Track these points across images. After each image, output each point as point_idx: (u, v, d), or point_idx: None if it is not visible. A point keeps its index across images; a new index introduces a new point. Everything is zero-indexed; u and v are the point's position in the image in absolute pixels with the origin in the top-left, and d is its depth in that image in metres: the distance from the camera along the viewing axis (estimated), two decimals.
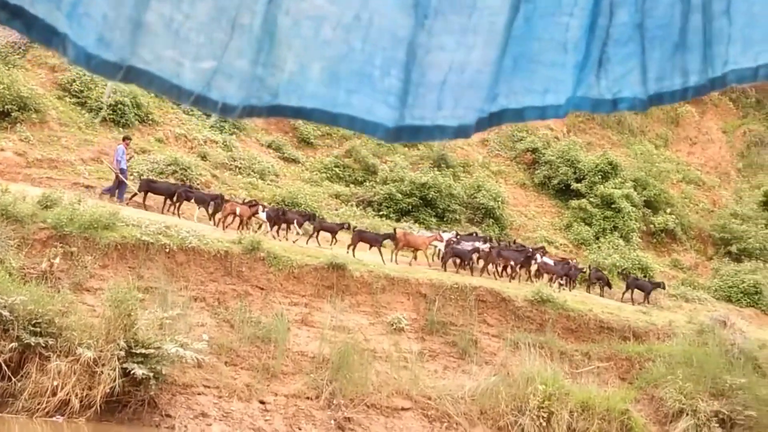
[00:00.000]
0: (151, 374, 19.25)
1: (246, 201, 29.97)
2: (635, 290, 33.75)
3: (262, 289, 24.14)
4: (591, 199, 42.88)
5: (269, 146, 38.68)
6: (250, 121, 36.27)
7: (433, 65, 2.25)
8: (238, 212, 28.47)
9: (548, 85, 2.39)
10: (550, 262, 32.95)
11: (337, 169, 39.04)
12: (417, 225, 36.05)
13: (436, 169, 39.51)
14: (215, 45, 2.09)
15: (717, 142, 53.93)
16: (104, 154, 30.91)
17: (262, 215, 29.15)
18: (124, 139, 30.02)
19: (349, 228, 30.57)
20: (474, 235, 34.02)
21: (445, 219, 37.96)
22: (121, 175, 28.59)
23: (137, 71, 2.03)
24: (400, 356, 24.11)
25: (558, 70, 2.39)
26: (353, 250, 28.16)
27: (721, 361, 25.64)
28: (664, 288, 35.07)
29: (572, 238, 41.74)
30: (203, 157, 34.31)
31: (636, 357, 26.19)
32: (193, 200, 28.78)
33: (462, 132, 2.32)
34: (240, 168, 34.96)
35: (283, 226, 29.50)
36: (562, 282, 31.58)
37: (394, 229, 31.25)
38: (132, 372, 19.05)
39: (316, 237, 29.58)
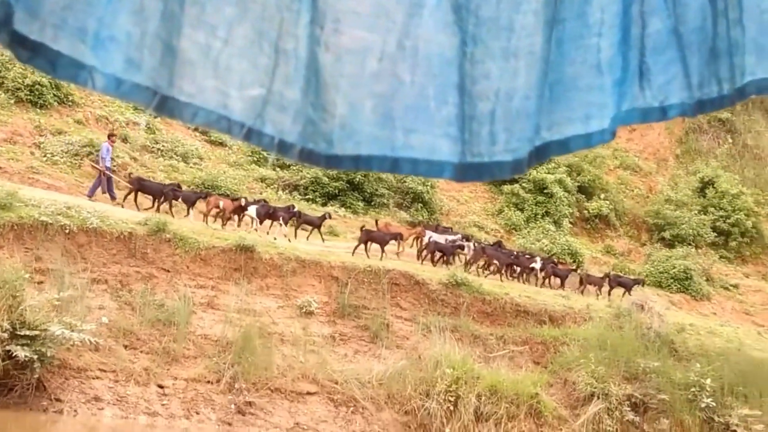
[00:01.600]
0: (35, 356, 18.62)
1: (233, 198, 29.85)
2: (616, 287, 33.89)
3: (167, 271, 23.57)
4: (524, 185, 42.77)
5: (195, 129, 37.99)
6: None
7: (482, 95, 2.19)
8: (221, 206, 28.41)
9: (589, 110, 2.34)
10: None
11: (264, 153, 38.44)
12: (344, 209, 35.64)
13: None
14: (260, 71, 2.01)
15: (656, 129, 53.90)
16: (18, 135, 30.23)
17: (252, 212, 28.89)
18: (109, 137, 29.56)
19: (330, 217, 31.13)
20: (450, 230, 34.50)
21: (372, 203, 37.62)
22: (108, 172, 28.16)
23: (179, 104, 1.95)
24: (309, 340, 23.64)
25: (596, 94, 2.34)
26: (366, 250, 28.50)
27: (636, 345, 25.40)
28: (643, 285, 35.49)
29: (503, 223, 41.55)
30: (124, 140, 33.54)
31: (551, 341, 25.87)
32: (180, 199, 28.54)
33: (517, 167, 2.26)
34: (162, 151, 34.30)
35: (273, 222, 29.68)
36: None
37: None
38: (15, 354, 18.45)
39: (296, 231, 29.86)
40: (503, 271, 32.11)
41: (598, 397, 23.59)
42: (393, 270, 26.12)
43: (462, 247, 31.27)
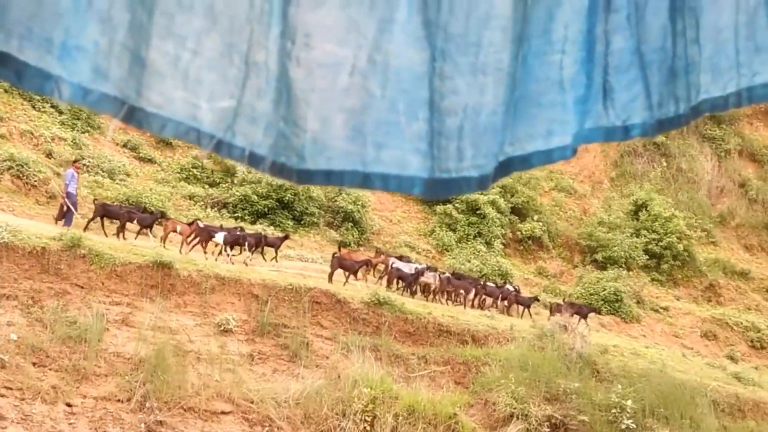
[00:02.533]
0: None
1: (189, 222, 29.68)
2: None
3: (81, 287, 23.08)
4: (456, 205, 42.73)
5: (125, 146, 37.54)
6: (106, 120, 35.33)
7: (450, 111, 2.19)
8: (178, 230, 28.41)
9: (551, 126, 2.35)
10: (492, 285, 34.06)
11: (194, 170, 38.04)
12: (273, 228, 35.30)
13: None
14: (231, 83, 2.00)
15: (592, 152, 54.22)
16: None
17: (219, 238, 28.80)
18: (73, 163, 29.30)
19: (288, 238, 31.55)
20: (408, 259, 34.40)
21: (302, 222, 37.29)
22: (67, 200, 27.60)
23: (147, 114, 1.94)
24: (226, 358, 23.27)
25: (559, 110, 2.35)
26: (330, 276, 28.50)
27: (557, 366, 25.36)
28: (599, 313, 36.34)
29: (435, 243, 41.41)
30: (48, 155, 33.03)
31: (473, 361, 25.71)
32: (135, 221, 28.25)
33: (483, 183, 2.27)
34: (88, 166, 33.72)
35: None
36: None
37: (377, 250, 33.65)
38: None
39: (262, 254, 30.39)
40: (471, 300, 32.45)
41: (518, 418, 23.50)
42: (314, 288, 25.85)
43: (422, 273, 31.49)
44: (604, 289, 40.87)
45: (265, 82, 2.02)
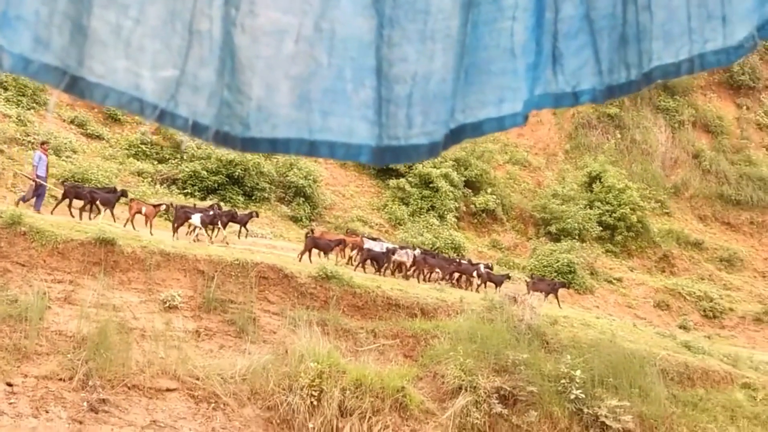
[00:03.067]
0: None
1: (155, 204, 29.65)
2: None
3: (22, 265, 22.69)
4: (410, 179, 42.60)
5: (72, 122, 36.96)
6: (56, 96, 34.88)
7: (399, 78, 2.19)
8: (144, 212, 28.31)
9: (502, 94, 2.36)
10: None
11: (143, 146, 37.53)
12: (223, 204, 34.95)
13: None
14: (174, 52, 1.98)
15: (546, 124, 54.34)
16: None
17: (196, 220, 28.82)
18: (41, 144, 29.12)
19: (257, 216, 31.79)
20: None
21: (253, 198, 37.03)
22: (39, 181, 27.67)
23: (89, 84, 1.93)
24: (172, 335, 22.98)
25: (510, 78, 2.36)
26: (308, 256, 29.14)
27: (506, 337, 25.26)
28: (568, 287, 36.77)
29: (387, 217, 41.25)
30: None
31: (422, 334, 25.58)
32: (99, 202, 28.13)
33: (433, 150, 2.27)
34: (33, 143, 33.21)
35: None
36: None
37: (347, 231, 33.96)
38: None
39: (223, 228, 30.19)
40: (446, 279, 32.89)
41: (466, 390, 23.37)
42: (261, 263, 25.59)
43: (394, 252, 31.81)
44: (558, 261, 40.97)
45: (208, 51, 2.01)
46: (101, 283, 22.97)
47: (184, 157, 36.84)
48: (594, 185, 49.09)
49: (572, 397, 24.10)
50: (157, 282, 23.98)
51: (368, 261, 31.43)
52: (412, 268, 32.54)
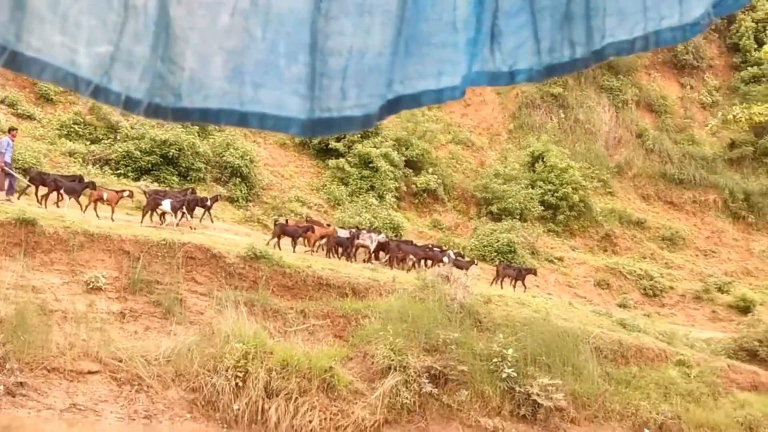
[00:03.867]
0: None
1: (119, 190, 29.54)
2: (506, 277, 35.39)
3: None
4: (349, 159, 42.21)
5: (1, 102, 36.21)
6: None
7: (334, 52, 2.20)
8: (105, 198, 28.20)
9: (442, 67, 2.36)
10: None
11: (76, 126, 36.83)
12: (157, 184, 34.41)
13: (181, 126, 37.75)
14: (109, 28, 1.98)
15: (490, 104, 54.22)
16: None
17: (167, 206, 28.82)
18: (9, 131, 28.85)
19: (220, 199, 32.45)
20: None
21: (188, 178, 36.49)
22: (7, 168, 27.29)
23: (26, 59, 1.93)
24: (95, 317, 22.49)
25: (450, 51, 2.35)
26: (277, 243, 29.55)
27: (438, 317, 25.06)
28: (535, 274, 37.01)
29: (326, 197, 40.90)
30: None
31: (353, 314, 25.29)
32: (63, 190, 27.87)
33: (367, 122, 2.28)
34: None
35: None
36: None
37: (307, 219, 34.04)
38: None
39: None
40: (416, 264, 33.33)
41: (396, 370, 23.13)
42: (188, 243, 25.16)
43: (357, 236, 32.33)
44: (498, 241, 40.89)
45: (143, 27, 1.99)
46: (21, 264, 22.41)
47: (118, 138, 36.15)
48: (536, 165, 49.05)
49: (504, 375, 24.00)
50: (80, 263, 23.48)
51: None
52: (388, 256, 32.96)
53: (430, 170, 45.43)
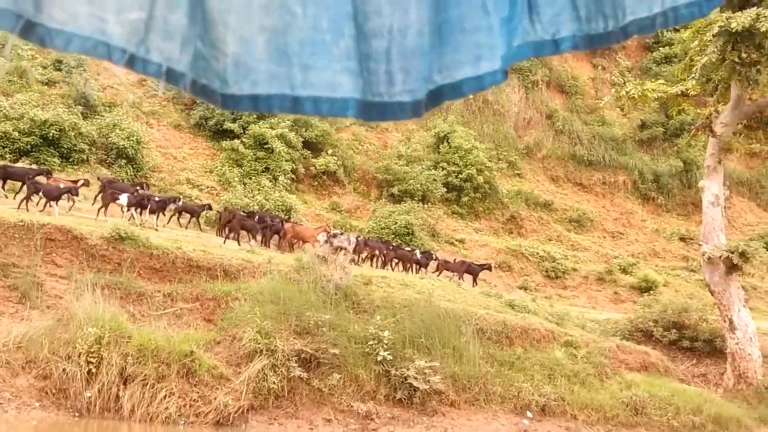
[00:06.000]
0: None
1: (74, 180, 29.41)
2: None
3: None
4: (244, 140, 41.35)
5: None
6: None
7: (376, 33, 2.15)
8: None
9: (479, 52, 2.32)
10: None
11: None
12: (37, 166, 33.15)
13: (68, 107, 36.46)
14: None
15: None
16: None
17: (123, 201, 28.49)
18: None
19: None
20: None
21: (70, 160, 35.26)
22: None
23: (51, 31, 1.87)
24: None
25: (485, 35, 2.32)
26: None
27: (311, 299, 24.28)
28: (490, 270, 37.58)
29: (218, 179, 39.95)
30: None
31: (223, 296, 24.38)
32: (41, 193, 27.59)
33: (416, 109, 2.25)
34: None
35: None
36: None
37: (282, 221, 33.53)
38: None
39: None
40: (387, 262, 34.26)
41: (263, 353, 22.29)
42: (48, 225, 24.05)
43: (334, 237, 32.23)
44: (396, 223, 40.34)
45: None
46: None
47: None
48: (441, 146, 48.57)
49: (379, 359, 23.35)
50: None
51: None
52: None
53: (330, 152, 44.76)
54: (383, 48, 2.15)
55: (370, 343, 23.58)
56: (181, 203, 31.09)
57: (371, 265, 32.83)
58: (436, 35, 2.22)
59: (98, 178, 28.63)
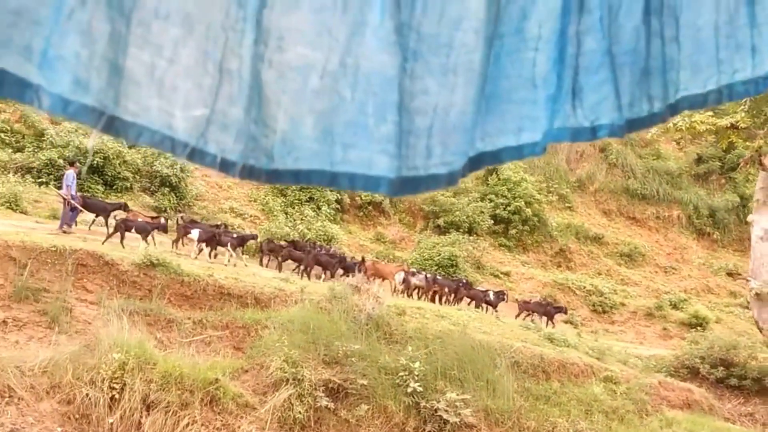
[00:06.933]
0: None
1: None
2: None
3: None
4: None
5: None
6: None
7: (420, 111, 2.21)
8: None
9: (522, 123, 2.36)
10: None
11: (2, 134, 35.88)
12: (81, 193, 33.41)
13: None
14: (204, 91, 2.02)
15: None
16: None
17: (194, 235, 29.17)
18: (72, 164, 29.42)
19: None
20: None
21: (114, 187, 35.49)
22: (73, 201, 28.05)
23: (124, 123, 1.95)
24: None
25: (529, 107, 2.36)
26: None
27: (342, 328, 24.06)
28: (566, 313, 37.53)
29: (261, 208, 40.04)
30: None
31: (252, 324, 24.25)
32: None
33: (452, 179, 2.28)
34: None
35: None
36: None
37: (363, 258, 33.73)
38: None
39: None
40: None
41: (289, 382, 22.09)
42: (80, 250, 24.14)
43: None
44: (440, 254, 40.05)
45: (237, 89, 2.02)
46: None
47: (43, 146, 35.20)
48: (490, 178, 48.19)
49: (409, 390, 22.96)
50: None
51: None
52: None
53: None
54: (426, 125, 2.19)
55: (401, 374, 23.24)
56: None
57: (439, 303, 32.71)
58: (480, 110, 2.26)
59: (178, 220, 28.87)
